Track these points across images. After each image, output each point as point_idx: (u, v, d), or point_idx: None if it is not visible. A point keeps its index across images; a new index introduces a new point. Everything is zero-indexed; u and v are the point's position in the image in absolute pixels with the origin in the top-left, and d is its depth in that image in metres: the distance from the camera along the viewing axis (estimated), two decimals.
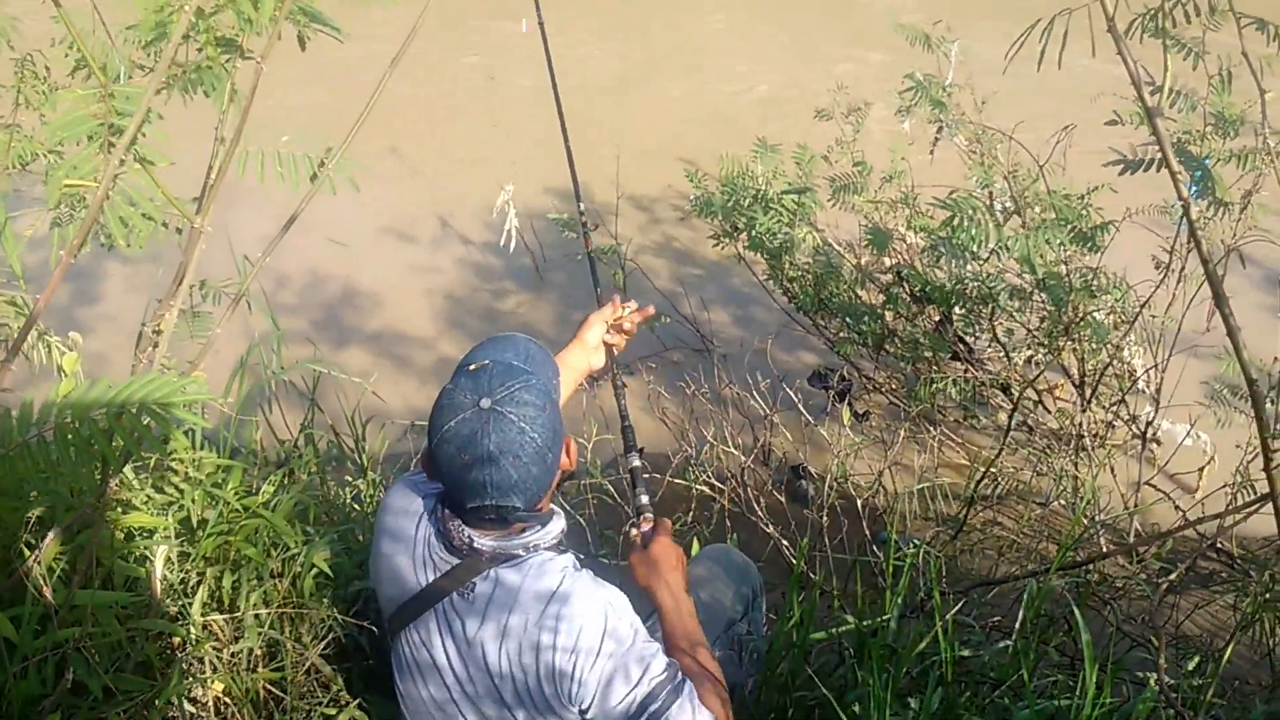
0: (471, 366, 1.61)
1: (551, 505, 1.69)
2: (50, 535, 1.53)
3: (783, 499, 3.14)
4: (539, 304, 4.45)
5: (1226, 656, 1.84)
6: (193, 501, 1.94)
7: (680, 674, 1.63)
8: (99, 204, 1.20)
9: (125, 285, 4.38)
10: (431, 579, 1.68)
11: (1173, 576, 2.35)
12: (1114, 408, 3.34)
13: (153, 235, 1.72)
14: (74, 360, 1.72)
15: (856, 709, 1.84)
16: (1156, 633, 1.82)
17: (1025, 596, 2.12)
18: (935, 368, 3.50)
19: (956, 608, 2.16)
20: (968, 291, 3.13)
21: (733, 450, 3.13)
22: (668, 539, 1.93)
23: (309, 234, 4.69)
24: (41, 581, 1.53)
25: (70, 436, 1.32)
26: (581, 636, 1.56)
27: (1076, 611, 1.90)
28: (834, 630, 2.23)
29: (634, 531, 1.98)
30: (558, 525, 1.67)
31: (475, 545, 1.61)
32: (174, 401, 1.26)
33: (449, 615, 1.66)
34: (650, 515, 2.00)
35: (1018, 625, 2.11)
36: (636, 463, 2.14)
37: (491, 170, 5.15)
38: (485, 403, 1.54)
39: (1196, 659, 2.09)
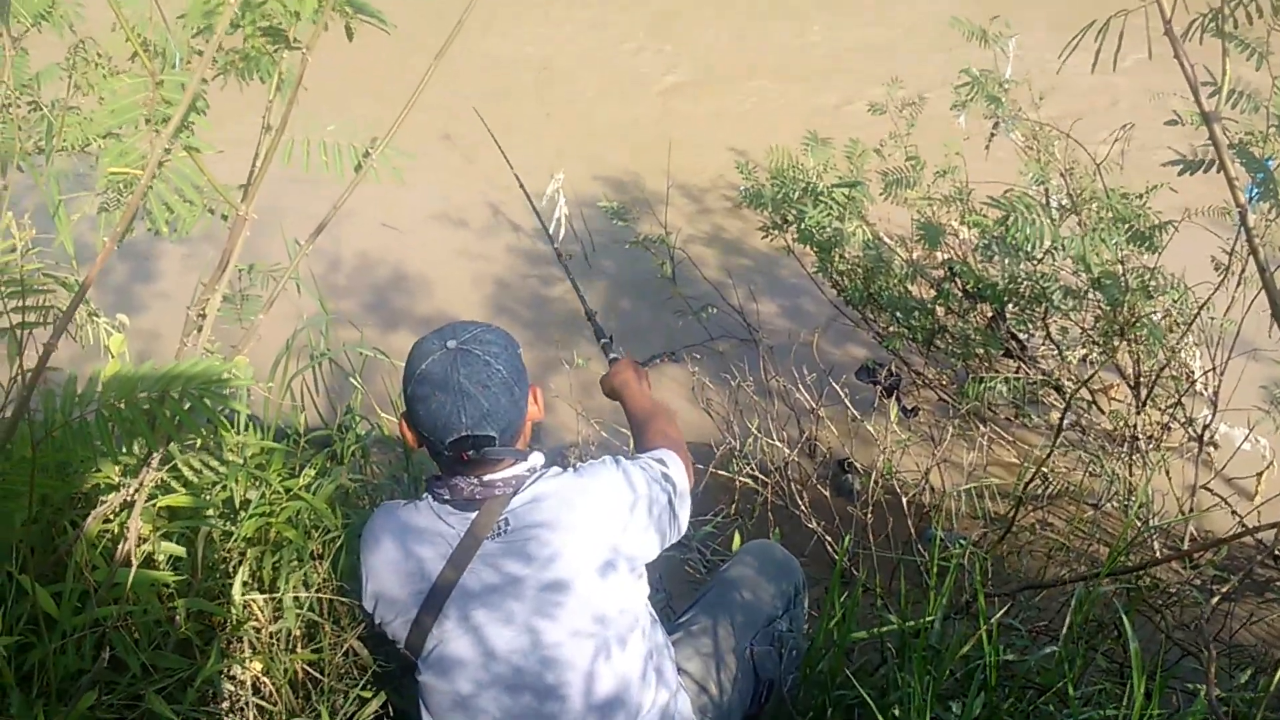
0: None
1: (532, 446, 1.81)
2: (94, 513, 1.55)
3: (827, 493, 3.11)
4: (588, 290, 4.40)
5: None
6: (235, 483, 1.96)
7: (660, 467, 1.89)
8: (142, 190, 1.20)
9: (183, 265, 4.43)
10: (452, 552, 1.70)
11: (1227, 587, 2.29)
12: (1170, 410, 3.27)
13: (209, 220, 1.74)
14: (120, 341, 1.74)
15: (896, 711, 1.82)
16: (1207, 643, 1.77)
17: (1074, 601, 2.08)
18: (987, 365, 3.44)
19: (1002, 610, 2.13)
20: (1021, 290, 3.07)
21: (777, 443, 3.10)
22: (625, 361, 2.33)
23: (362, 218, 4.73)
24: (83, 559, 1.55)
25: (114, 417, 1.34)
26: (619, 504, 1.77)
27: (1125, 619, 1.85)
28: (876, 630, 2.20)
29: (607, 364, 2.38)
30: (539, 458, 1.79)
31: (485, 480, 1.71)
32: (217, 385, 1.26)
33: (494, 573, 1.69)
34: (614, 355, 2.40)
35: (1065, 630, 2.08)
36: (594, 320, 2.59)
37: (543, 159, 5.15)
38: (451, 344, 1.69)
39: (1250, 671, 2.04)
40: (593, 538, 1.72)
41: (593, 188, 5.02)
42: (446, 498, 1.73)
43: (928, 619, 2.09)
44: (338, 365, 2.79)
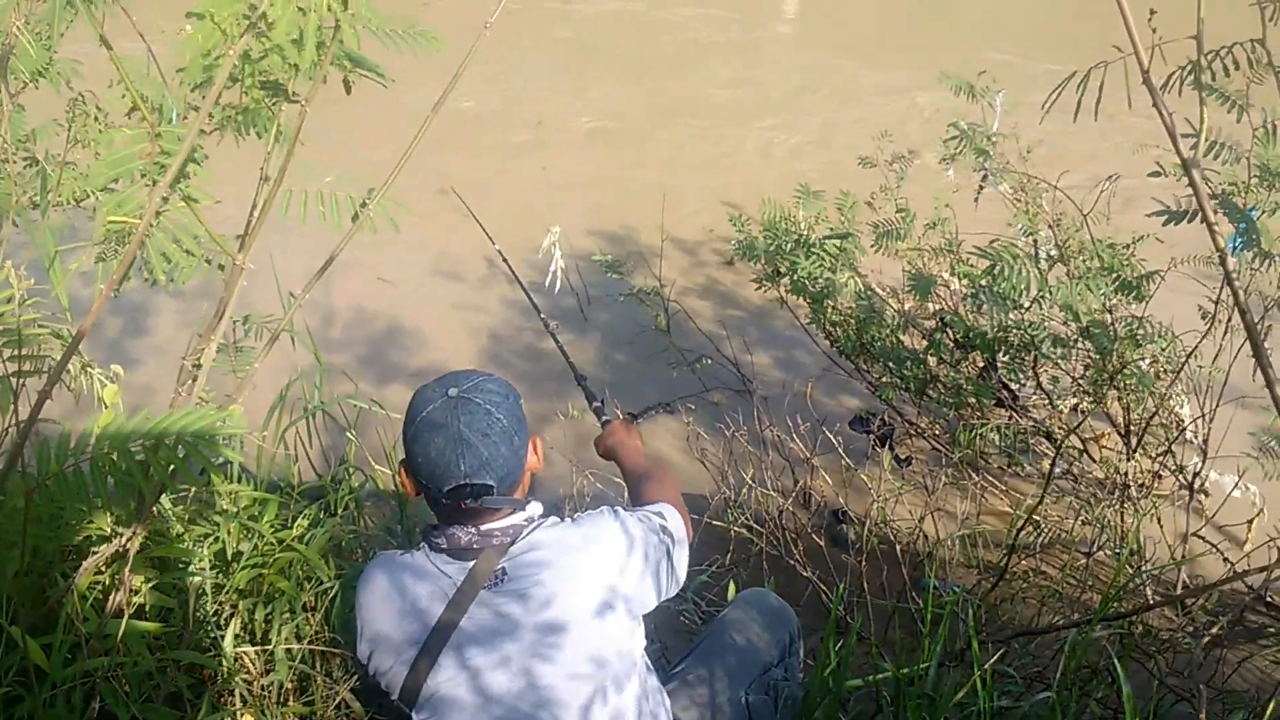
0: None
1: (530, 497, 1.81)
2: (86, 564, 1.56)
3: (822, 543, 3.11)
4: (583, 343, 4.47)
5: (1269, 711, 1.79)
6: (228, 534, 1.96)
7: (659, 520, 1.90)
8: (139, 239, 1.22)
9: (177, 320, 4.46)
10: (450, 597, 1.70)
11: (1216, 629, 2.29)
12: (1160, 458, 3.28)
13: (204, 272, 1.76)
14: (114, 392, 1.75)
15: None
16: (1199, 687, 1.77)
17: (1067, 647, 2.08)
18: (979, 414, 3.46)
19: (996, 657, 2.12)
20: (1010, 339, 3.10)
21: (772, 493, 3.11)
22: (618, 422, 2.38)
23: (358, 272, 4.76)
24: (75, 610, 1.55)
25: (107, 467, 1.35)
26: (617, 550, 1.78)
27: (1117, 664, 1.86)
28: (871, 678, 2.20)
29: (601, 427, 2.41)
30: (537, 507, 1.79)
31: (482, 530, 1.71)
32: (210, 434, 1.27)
33: (490, 616, 1.68)
34: (606, 418, 2.43)
35: (1058, 676, 2.07)
36: (584, 384, 2.63)
37: (539, 213, 5.20)
38: (453, 391, 1.70)
39: (1242, 714, 2.04)
40: (590, 580, 1.72)
41: (588, 241, 5.07)
42: (444, 547, 1.73)
43: (922, 666, 2.09)
44: (332, 418, 2.80)
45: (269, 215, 1.51)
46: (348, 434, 2.69)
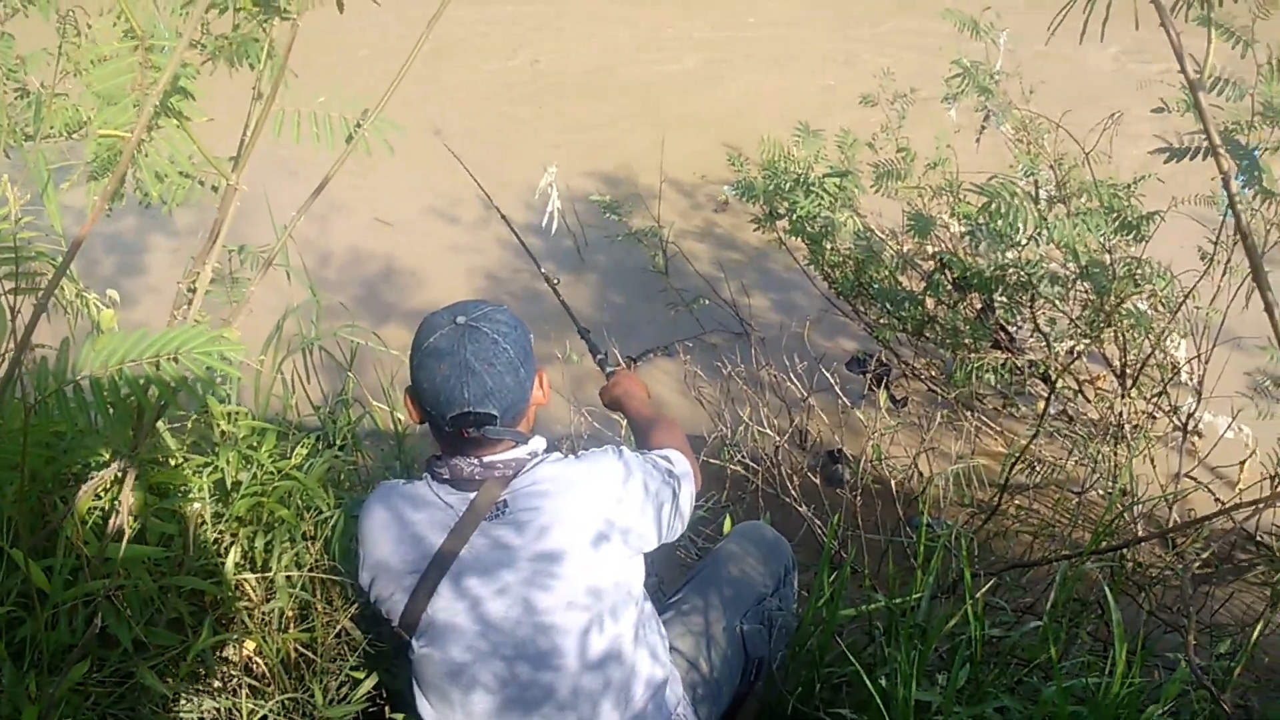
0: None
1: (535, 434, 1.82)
2: (85, 487, 1.56)
3: (818, 482, 3.13)
4: (579, 285, 4.46)
5: (1255, 637, 1.81)
6: (227, 463, 1.97)
7: (665, 463, 1.91)
8: (130, 151, 1.21)
9: (171, 259, 4.45)
10: (451, 527, 1.71)
11: (1203, 562, 2.31)
12: (1155, 399, 3.29)
13: (198, 207, 1.74)
14: (111, 316, 1.75)
15: (884, 684, 1.83)
16: (1187, 615, 1.79)
17: (1058, 579, 2.10)
18: (975, 355, 3.46)
19: (987, 587, 2.15)
20: (1008, 278, 3.09)
21: (768, 431, 3.12)
22: (623, 372, 2.40)
23: (353, 214, 4.74)
24: (75, 534, 1.56)
25: (106, 386, 1.34)
26: (614, 482, 1.78)
27: (1108, 592, 1.88)
28: (864, 608, 2.22)
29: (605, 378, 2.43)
30: (540, 442, 1.80)
31: (485, 461, 1.72)
32: (209, 351, 1.28)
33: (490, 546, 1.70)
34: (610, 369, 2.44)
35: (1049, 606, 2.10)
36: (587, 337, 2.62)
37: (535, 153, 5.17)
38: (461, 319, 1.70)
39: (1228, 642, 2.06)
40: (587, 512, 1.73)
41: (585, 182, 5.05)
42: (446, 477, 1.74)
43: (915, 597, 2.11)
44: (330, 354, 2.80)
45: (261, 139, 1.50)
46: (345, 370, 2.69)
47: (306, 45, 1.61)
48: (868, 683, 1.78)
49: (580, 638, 1.71)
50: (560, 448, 1.92)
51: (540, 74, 6.49)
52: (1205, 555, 2.55)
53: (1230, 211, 2.97)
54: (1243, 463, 3.36)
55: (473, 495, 1.73)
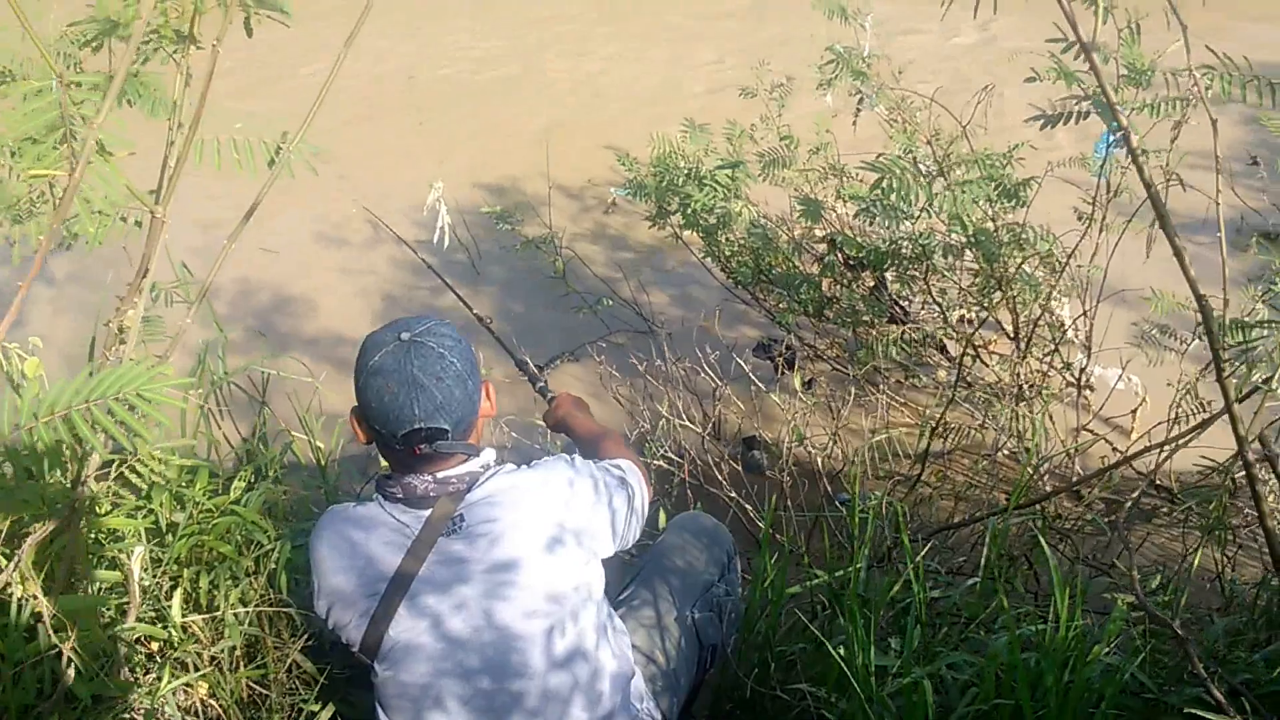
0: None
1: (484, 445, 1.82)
2: (29, 540, 1.51)
3: (740, 469, 3.18)
4: (478, 297, 4.44)
5: (1194, 565, 1.91)
6: (160, 505, 1.92)
7: (617, 471, 1.95)
8: (74, 189, 1.18)
9: (49, 309, 4.29)
10: (408, 546, 1.70)
11: (1128, 504, 2.42)
12: (1048, 358, 3.43)
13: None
14: (35, 364, 1.69)
15: (841, 652, 1.88)
16: (1129, 553, 1.89)
17: (989, 535, 2.19)
18: (874, 331, 3.56)
19: (925, 550, 2.22)
20: (903, 251, 3.19)
21: (688, 423, 3.16)
22: (565, 395, 2.41)
23: (238, 245, 4.61)
24: (23, 588, 1.51)
25: (39, 438, 1.30)
26: (562, 485, 1.79)
27: (1043, 540, 1.96)
28: (809, 584, 2.27)
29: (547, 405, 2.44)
30: (491, 454, 1.80)
31: (439, 477, 1.71)
32: (155, 388, 1.25)
33: (445, 563, 1.69)
34: (551, 394, 2.46)
35: (983, 563, 2.18)
36: (525, 367, 2.60)
37: (419, 168, 5.13)
38: (405, 335, 1.70)
39: (1158, 578, 2.17)
40: (540, 518, 1.74)
41: (472, 194, 5.03)
42: (399, 496, 1.72)
43: (856, 567, 2.17)
44: (241, 389, 2.75)
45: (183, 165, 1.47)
46: (259, 402, 2.64)
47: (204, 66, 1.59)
48: (833, 654, 1.82)
49: (544, 644, 1.72)
50: (507, 459, 1.92)
51: (417, 89, 6.43)
52: (1117, 508, 2.67)
53: (1103, 172, 3.13)
54: (1134, 411, 3.53)
55: (427, 512, 1.72)
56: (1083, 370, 3.38)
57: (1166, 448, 2.43)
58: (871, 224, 3.17)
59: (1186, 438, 2.04)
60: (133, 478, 1.79)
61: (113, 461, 1.84)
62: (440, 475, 1.72)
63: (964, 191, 2.87)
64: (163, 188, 1.48)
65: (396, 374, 1.65)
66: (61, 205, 1.18)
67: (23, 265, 4.27)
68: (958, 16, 6.34)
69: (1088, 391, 3.53)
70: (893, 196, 2.73)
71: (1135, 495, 2.81)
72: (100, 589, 1.73)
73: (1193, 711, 1.51)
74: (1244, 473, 1.70)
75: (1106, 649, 1.77)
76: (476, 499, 1.72)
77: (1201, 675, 1.45)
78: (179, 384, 1.29)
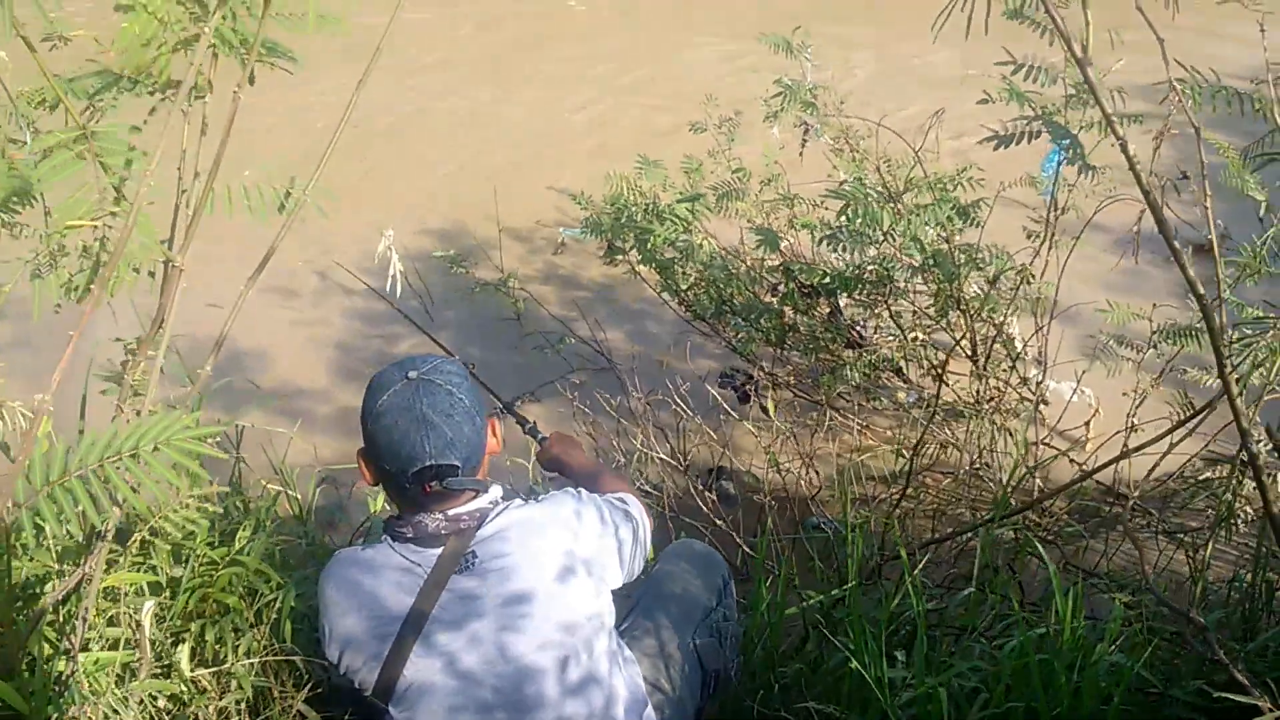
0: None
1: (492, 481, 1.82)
2: (47, 599, 1.48)
3: (714, 497, 3.21)
4: (434, 344, 4.42)
5: (1209, 553, 1.97)
6: (161, 559, 1.89)
7: (621, 504, 1.97)
8: (124, 243, 1.18)
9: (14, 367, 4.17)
10: (420, 586, 1.70)
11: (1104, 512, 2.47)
12: (1006, 374, 3.51)
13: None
14: (46, 423, 1.65)
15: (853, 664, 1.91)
16: (1138, 549, 1.94)
17: (980, 547, 2.24)
18: (834, 357, 3.63)
19: (923, 561, 2.26)
20: (865, 275, 3.26)
21: (664, 457, 3.18)
22: (557, 434, 2.46)
23: (183, 301, 4.53)
24: (39, 650, 1.48)
25: (59, 497, 1.28)
26: (570, 517, 1.81)
27: (1040, 548, 2.01)
28: (803, 605, 2.30)
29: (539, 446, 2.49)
30: (498, 490, 1.81)
31: (450, 515, 1.72)
32: (193, 438, 1.24)
33: (458, 600, 1.69)
34: (542, 435, 2.49)
35: (975, 573, 2.23)
36: (511, 411, 2.66)
37: (370, 218, 5.09)
38: (413, 374, 1.72)
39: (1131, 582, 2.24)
40: (549, 550, 1.76)
41: (422, 240, 5.01)
42: (409, 536, 1.72)
43: (852, 584, 2.21)
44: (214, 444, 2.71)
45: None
46: (235, 455, 2.62)
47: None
48: (858, 668, 1.85)
49: (559, 675, 1.72)
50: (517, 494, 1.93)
51: (358, 137, 6.38)
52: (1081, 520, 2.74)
53: (1052, 192, 3.23)
54: (1087, 423, 3.63)
55: (438, 551, 1.72)
56: (1039, 384, 3.47)
57: (1158, 446, 2.50)
58: (835, 250, 3.24)
59: (1183, 438, 2.11)
60: (166, 527, 1.74)
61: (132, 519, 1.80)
62: (451, 513, 1.72)
63: (917, 215, 2.95)
64: (176, 236, 1.48)
65: (407, 412, 1.67)
66: (114, 255, 1.18)
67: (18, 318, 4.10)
68: (895, 47, 6.52)
69: (1042, 404, 3.62)
70: (858, 222, 2.80)
71: (1133, 497, 2.88)
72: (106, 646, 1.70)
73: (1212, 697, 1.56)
74: (1245, 465, 1.76)
75: (1111, 647, 1.82)
76: (488, 534, 1.73)
77: (1224, 660, 1.50)
78: (209, 432, 1.28)
